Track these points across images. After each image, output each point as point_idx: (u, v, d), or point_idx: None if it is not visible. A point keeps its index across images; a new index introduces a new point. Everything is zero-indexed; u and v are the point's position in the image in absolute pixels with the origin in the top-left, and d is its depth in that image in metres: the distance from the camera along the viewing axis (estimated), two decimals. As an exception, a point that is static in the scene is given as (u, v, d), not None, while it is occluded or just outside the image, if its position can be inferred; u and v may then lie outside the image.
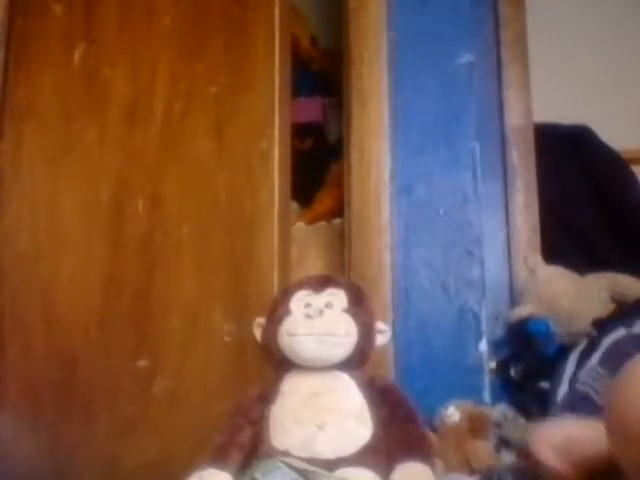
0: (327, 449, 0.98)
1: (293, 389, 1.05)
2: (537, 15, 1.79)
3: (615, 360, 1.23)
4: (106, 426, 1.57)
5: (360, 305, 1.11)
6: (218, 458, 1.01)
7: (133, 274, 1.64)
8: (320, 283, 1.12)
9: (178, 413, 1.56)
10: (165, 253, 1.64)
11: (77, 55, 1.74)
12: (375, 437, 1.00)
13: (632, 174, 1.76)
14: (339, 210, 1.74)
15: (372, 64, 1.71)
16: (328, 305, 1.07)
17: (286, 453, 0.98)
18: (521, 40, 1.75)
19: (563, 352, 1.40)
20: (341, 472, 0.95)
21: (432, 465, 1.00)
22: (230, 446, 1.03)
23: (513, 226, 1.65)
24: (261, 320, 1.14)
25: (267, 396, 1.06)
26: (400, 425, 1.01)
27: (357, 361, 1.09)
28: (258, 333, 1.13)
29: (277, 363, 1.10)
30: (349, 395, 1.03)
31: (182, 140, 1.69)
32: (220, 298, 1.61)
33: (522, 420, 1.36)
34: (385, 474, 0.98)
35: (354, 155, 1.67)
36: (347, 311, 1.08)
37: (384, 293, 1.59)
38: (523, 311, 1.49)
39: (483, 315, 1.59)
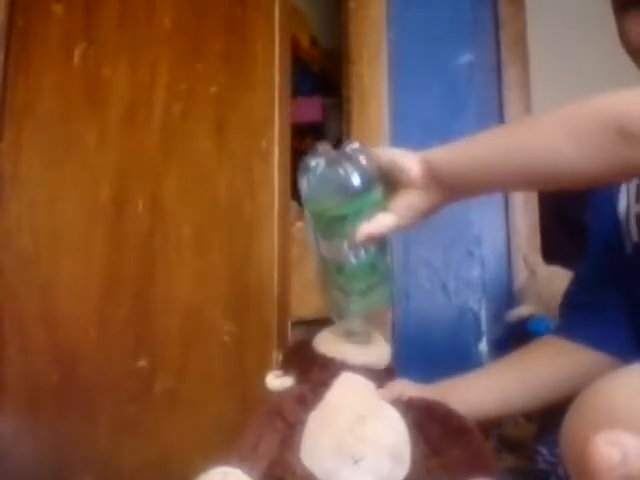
0: None
1: (339, 404, 0.93)
2: (537, 15, 1.79)
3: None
4: (106, 426, 1.57)
5: None
6: (247, 460, 0.89)
7: (133, 274, 1.64)
8: None
9: (178, 413, 1.56)
10: (165, 253, 1.64)
11: (77, 55, 1.74)
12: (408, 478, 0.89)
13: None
14: (339, 210, 1.74)
15: (372, 64, 1.71)
16: None
17: (309, 476, 0.87)
18: (521, 40, 1.75)
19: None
20: None
21: None
22: (261, 447, 0.91)
23: (513, 226, 1.65)
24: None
25: (308, 399, 0.95)
26: (457, 441, 0.90)
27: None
28: None
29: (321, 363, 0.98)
30: (393, 423, 0.92)
31: (182, 140, 1.69)
32: (220, 298, 1.61)
33: (522, 420, 1.36)
34: None
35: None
36: None
37: (384, 293, 1.59)
38: (523, 311, 1.49)
39: (483, 315, 1.59)
